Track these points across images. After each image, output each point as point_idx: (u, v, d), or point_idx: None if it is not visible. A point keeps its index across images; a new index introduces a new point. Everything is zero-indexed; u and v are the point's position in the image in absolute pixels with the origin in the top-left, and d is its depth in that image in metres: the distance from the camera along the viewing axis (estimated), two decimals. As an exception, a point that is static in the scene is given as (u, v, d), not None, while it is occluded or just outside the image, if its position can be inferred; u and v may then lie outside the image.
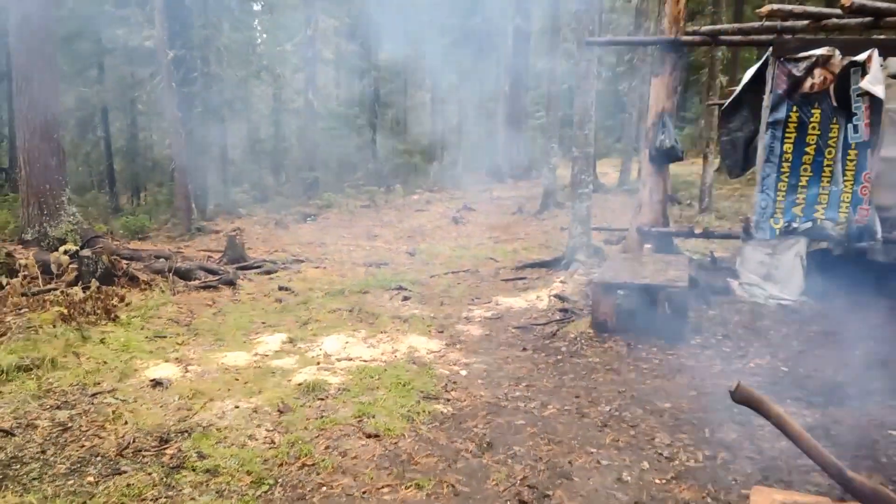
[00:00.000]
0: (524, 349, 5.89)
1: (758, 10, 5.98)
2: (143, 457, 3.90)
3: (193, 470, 3.72)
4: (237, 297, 8.07)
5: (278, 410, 4.57)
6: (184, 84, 15.55)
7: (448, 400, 4.72)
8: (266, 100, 22.55)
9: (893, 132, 6.79)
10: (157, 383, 5.01)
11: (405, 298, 7.76)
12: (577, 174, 8.66)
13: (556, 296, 7.28)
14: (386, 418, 4.34)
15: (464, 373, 5.31)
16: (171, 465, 3.80)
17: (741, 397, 1.96)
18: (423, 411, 4.47)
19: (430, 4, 21.97)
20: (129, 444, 4.04)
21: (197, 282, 8.26)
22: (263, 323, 6.94)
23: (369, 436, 4.11)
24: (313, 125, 20.01)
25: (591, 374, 5.17)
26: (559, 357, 5.63)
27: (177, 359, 5.64)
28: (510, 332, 6.40)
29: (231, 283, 8.31)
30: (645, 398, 4.60)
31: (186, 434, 4.18)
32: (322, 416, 4.44)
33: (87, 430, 4.27)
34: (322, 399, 4.77)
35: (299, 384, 5.01)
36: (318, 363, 5.52)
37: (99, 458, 3.89)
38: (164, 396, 4.80)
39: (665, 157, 7.24)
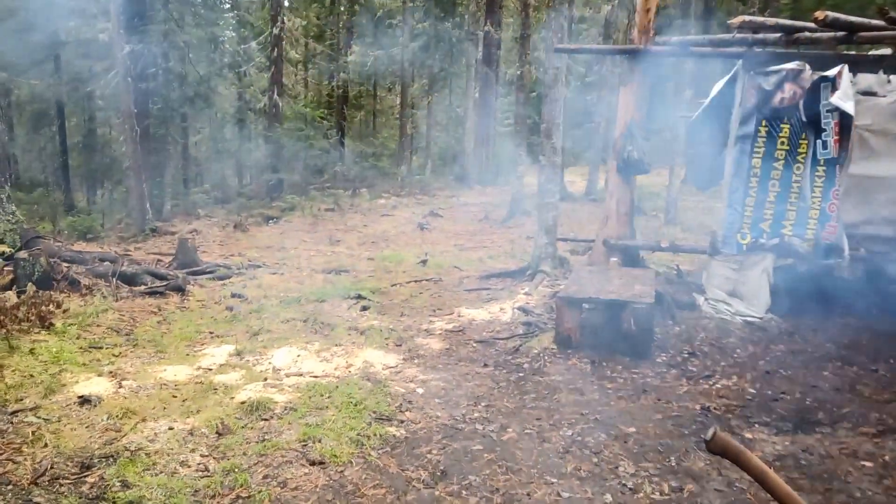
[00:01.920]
0: (485, 365, 5.63)
1: (730, 21, 5.86)
2: (60, 485, 3.53)
3: (114, 502, 3.36)
4: (185, 304, 7.65)
5: (216, 432, 4.23)
6: (141, 79, 14.98)
7: (402, 421, 4.42)
8: (230, 98, 21.97)
9: (861, 149, 6.74)
10: (85, 400, 4.61)
11: (364, 308, 7.44)
12: (544, 183, 8.45)
13: (519, 308, 7.04)
14: (333, 442, 4.03)
15: (420, 391, 5.02)
16: (90, 495, 3.44)
17: (718, 447, 1.72)
18: (374, 434, 4.16)
19: (402, 7, 21.71)
20: (45, 470, 3.66)
21: (143, 287, 7.82)
22: (211, 333, 6.55)
23: (313, 463, 3.79)
24: (278, 126, 19.54)
25: (553, 393, 4.93)
26: (521, 374, 5.37)
27: (111, 372, 5.24)
28: (471, 347, 6.13)
29: (180, 289, 7.88)
30: (609, 421, 4.37)
31: (112, 459, 3.81)
32: (264, 440, 4.11)
33: (1, 454, 3.86)
34: (266, 420, 4.43)
35: (242, 402, 4.66)
36: (266, 379, 5.17)
37: (10, 487, 3.51)
38: (92, 415, 4.41)
39: (632, 168, 7.07)
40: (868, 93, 6.65)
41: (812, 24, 5.44)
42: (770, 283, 6.69)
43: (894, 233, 6.92)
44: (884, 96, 6.75)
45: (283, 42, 19.13)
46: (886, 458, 3.73)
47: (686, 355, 5.71)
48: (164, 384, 5.09)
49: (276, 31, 18.33)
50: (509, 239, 12.83)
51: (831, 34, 5.29)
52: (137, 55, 14.76)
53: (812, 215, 6.54)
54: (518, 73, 16.98)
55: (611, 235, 7.24)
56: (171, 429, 4.28)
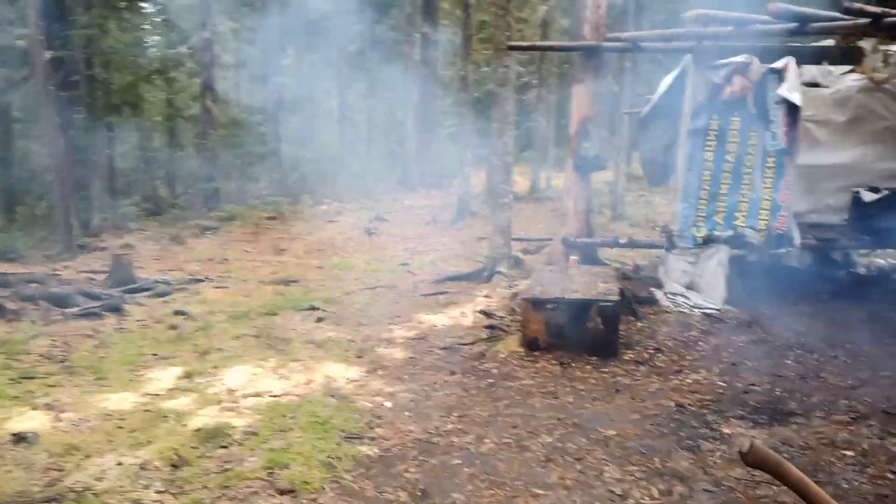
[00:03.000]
0: (452, 373, 5.43)
1: (683, 15, 5.87)
2: (-3, 538, 3.14)
3: (61, 554, 3.00)
4: (124, 325, 7.14)
5: (171, 465, 3.87)
6: (64, 88, 14.09)
7: (373, 439, 4.17)
8: (159, 106, 21.04)
9: (805, 140, 6.89)
10: (20, 438, 4.16)
11: (319, 319, 7.13)
12: (497, 183, 8.34)
13: (481, 311, 6.89)
14: (302, 468, 3.75)
15: (388, 404, 4.78)
16: (32, 547, 3.06)
17: (755, 459, 1.58)
18: (346, 455, 3.91)
19: (337, 10, 21.31)
20: (-23, 522, 3.25)
21: (76, 309, 7.26)
22: (155, 355, 6.11)
23: (283, 492, 3.51)
24: (212, 132, 18.80)
25: (526, 398, 4.78)
26: (491, 380, 5.21)
27: (47, 405, 4.77)
28: (436, 354, 5.93)
29: (117, 309, 7.36)
30: (587, 425, 4.25)
31: (55, 503, 3.42)
32: (225, 470, 3.79)
33: (-78, 507, 3.42)
34: (225, 447, 4.10)
35: (197, 430, 4.30)
36: (220, 402, 4.82)
37: (-64, 545, 3.09)
38: (30, 454, 3.98)
39: (589, 166, 7.03)
40: (812, 84, 6.82)
41: (763, 17, 5.50)
42: (726, 274, 6.76)
43: (839, 220, 7.12)
44: (827, 87, 6.94)
45: (214, 46, 18.44)
46: (864, 446, 3.74)
47: (652, 351, 5.68)
48: (108, 414, 4.67)
49: (206, 35, 17.64)
50: (460, 241, 12.70)
51: (783, 26, 5.36)
52: (59, 62, 13.89)
53: (764, 206, 6.65)
54: (461, 73, 16.87)
55: (569, 233, 7.18)
56: (119, 464, 3.90)
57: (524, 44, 8.16)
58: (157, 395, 5.07)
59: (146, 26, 18.45)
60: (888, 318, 6.18)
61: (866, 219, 6.74)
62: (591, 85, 6.92)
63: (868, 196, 6.74)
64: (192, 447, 4.10)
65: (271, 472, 3.71)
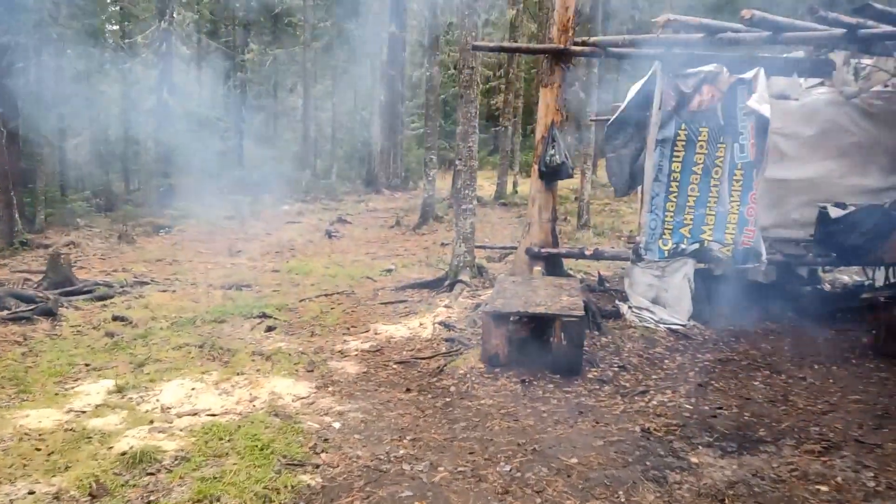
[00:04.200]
0: (408, 390, 5.12)
1: (654, 19, 5.67)
2: None
3: None
4: (57, 331, 6.64)
5: (89, 494, 3.50)
6: (8, 75, 13.34)
7: (317, 466, 3.83)
8: (114, 97, 20.22)
9: (772, 152, 6.77)
10: (-83, 463, 3.71)
11: (269, 329, 6.74)
12: (460, 188, 8.06)
13: (440, 323, 6.59)
14: (235, 500, 3.39)
15: (337, 425, 4.44)
16: None
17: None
18: (285, 486, 3.56)
19: (303, 6, 20.80)
20: None
21: (5, 313, 6.73)
22: (87, 365, 5.66)
23: (210, 531, 3.15)
24: (170, 127, 18.12)
25: (485, 420, 4.49)
26: (448, 399, 4.90)
27: (-45, 423, 4.31)
28: (391, 369, 5.60)
29: (50, 314, 6.85)
30: (549, 451, 3.98)
31: (-54, 544, 3.01)
32: (149, 502, 3.42)
33: None
34: (152, 474, 3.72)
35: (123, 453, 3.91)
36: (152, 421, 4.42)
37: None
38: (-74, 482, 3.54)
39: (555, 173, 6.80)
40: (781, 96, 6.71)
41: (736, 25, 5.33)
42: (692, 289, 6.59)
43: (804, 235, 7.02)
44: (796, 100, 6.83)
45: (173, 37, 17.78)
46: (839, 479, 3.55)
47: (616, 369, 5.45)
48: (27, 434, 4.25)
49: (164, 24, 16.99)
50: (423, 246, 12.40)
51: (756, 34, 5.20)
52: (3, 49, 13.14)
53: (731, 220, 6.50)
54: (427, 73, 16.57)
55: (534, 243, 6.93)
56: (31, 493, 3.51)
57: (490, 44, 7.91)
58: (82, 411, 4.65)
59: (100, 14, 17.63)
60: (854, 338, 6.07)
61: (833, 235, 6.65)
62: (558, 89, 6.68)
63: (835, 212, 6.64)
64: (116, 473, 3.72)
65: (200, 506, 3.35)
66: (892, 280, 7.00)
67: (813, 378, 5.21)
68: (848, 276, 8.18)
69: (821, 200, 6.92)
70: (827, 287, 7.81)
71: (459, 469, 3.80)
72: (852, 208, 6.66)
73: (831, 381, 5.16)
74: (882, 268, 7.07)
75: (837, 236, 6.63)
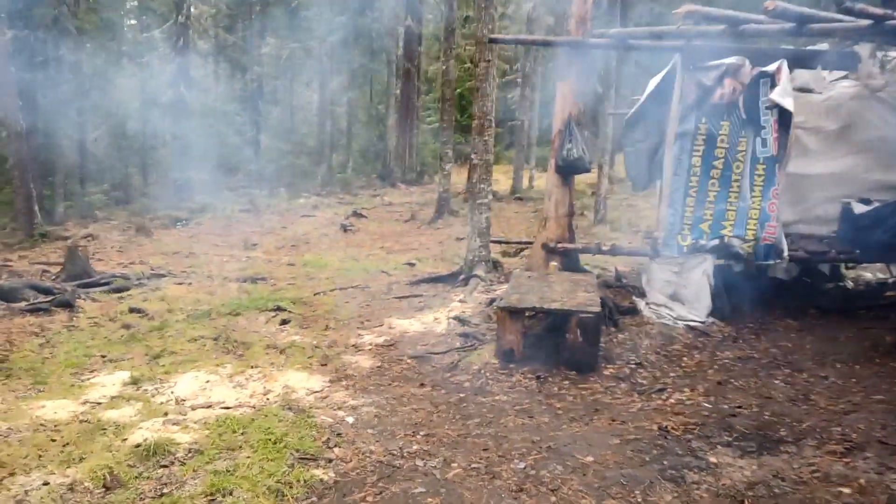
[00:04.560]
0: (422, 385, 5.08)
1: (675, 11, 5.56)
2: None
3: None
4: (74, 322, 6.69)
5: (103, 486, 3.50)
6: (27, 69, 13.47)
7: (330, 461, 3.81)
8: (133, 91, 20.37)
9: (795, 147, 6.63)
10: (-66, 452, 3.74)
11: (284, 322, 6.74)
12: (476, 182, 8.00)
13: (455, 318, 6.54)
14: (247, 494, 3.38)
15: (350, 420, 4.42)
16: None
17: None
18: (297, 480, 3.54)
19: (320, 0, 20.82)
20: None
21: (23, 304, 6.79)
22: (103, 357, 5.69)
23: (222, 525, 3.13)
24: (187, 121, 18.22)
25: (499, 417, 4.44)
26: (462, 395, 4.86)
27: (-27, 413, 4.35)
28: (405, 364, 5.57)
29: (68, 305, 6.91)
30: (564, 449, 3.92)
31: (-38, 532, 3.03)
32: (162, 494, 3.42)
33: None
34: (165, 466, 3.72)
35: (137, 445, 3.91)
36: (167, 413, 4.42)
37: None
38: (-56, 472, 3.56)
39: (572, 168, 6.71)
40: (804, 89, 6.56)
41: (759, 16, 5.21)
42: (711, 285, 6.48)
43: (827, 231, 6.88)
44: (819, 93, 6.68)
45: (190, 31, 17.85)
46: (861, 481, 3.46)
47: (633, 366, 5.37)
48: (42, 425, 4.27)
49: (181, 19, 17.06)
50: (438, 240, 12.35)
51: (779, 26, 5.08)
52: (22, 42, 13.27)
53: (752, 215, 6.37)
54: (443, 67, 16.49)
55: (550, 238, 6.85)
56: (46, 483, 3.52)
57: (507, 37, 7.84)
58: (98, 403, 4.67)
59: (118, 8, 17.73)
60: (877, 336, 5.93)
61: (856, 231, 6.50)
62: (575, 83, 6.59)
63: (859, 208, 6.49)
64: (130, 465, 3.72)
65: (212, 499, 3.34)
66: (916, 278, 6.84)
67: (835, 377, 5.10)
68: (871, 273, 8.01)
69: (844, 196, 6.78)
70: (850, 284, 7.65)
71: (473, 466, 3.76)
72: (877, 204, 6.50)
73: (854, 380, 5.04)
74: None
75: (861, 233, 6.49)
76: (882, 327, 6.10)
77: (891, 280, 7.33)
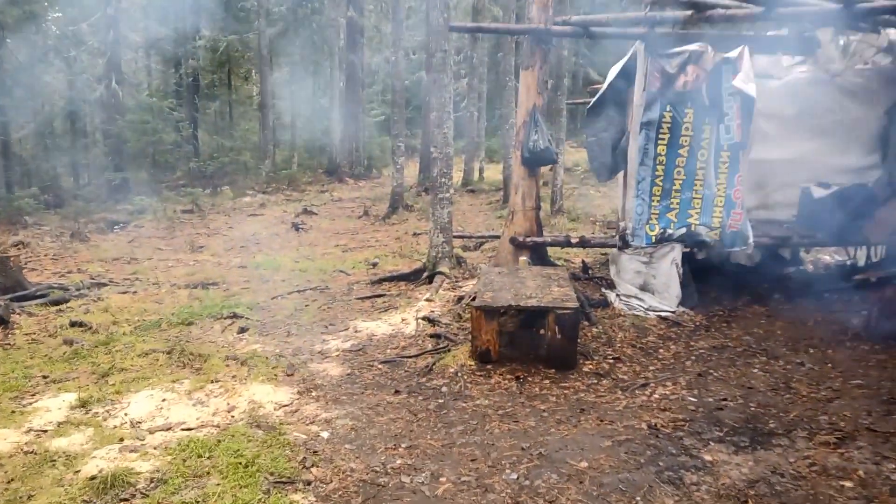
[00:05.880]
0: (397, 392, 4.83)
1: (642, -4, 5.44)
2: None
3: None
4: (10, 340, 6.13)
5: (56, 529, 3.12)
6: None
7: (308, 483, 3.53)
8: (59, 88, 19.19)
9: (756, 133, 6.64)
10: None
11: (242, 330, 6.36)
12: (437, 177, 7.75)
13: (424, 318, 6.30)
14: (222, 529, 3.07)
15: (325, 434, 4.14)
16: None
17: None
18: (277, 509, 3.25)
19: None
20: None
21: (-51, 323, 6.18)
22: (45, 378, 5.20)
23: (198, 567, 2.83)
24: (119, 118, 17.28)
25: (483, 423, 4.24)
26: (441, 401, 4.64)
27: None
28: (377, 369, 5.30)
29: (1, 321, 6.33)
30: (556, 455, 3.75)
31: None
32: (125, 534, 3.07)
33: None
34: (126, 500, 3.38)
35: (91, 478, 3.55)
36: (122, 439, 4.04)
37: None
38: None
39: (539, 159, 6.55)
40: (763, 75, 6.57)
41: (726, 1, 5.15)
42: (680, 274, 6.45)
43: (788, 216, 6.95)
44: (777, 78, 6.72)
45: (120, 24, 16.89)
46: (861, 473, 3.41)
47: (612, 361, 5.27)
48: (-21, 460, 3.83)
49: (110, 11, 16.12)
50: (395, 236, 12.06)
51: (748, 10, 5.02)
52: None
53: (718, 203, 6.37)
54: (393, 58, 16.12)
55: (518, 232, 6.68)
56: (-12, 530, 3.12)
57: (467, 24, 7.60)
58: (43, 430, 4.24)
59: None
60: (844, 319, 6.01)
61: (816, 215, 6.58)
62: (539, 72, 6.42)
63: (818, 192, 6.57)
64: (85, 501, 3.36)
65: (183, 538, 3.02)
66: (873, 259, 6.99)
67: (811, 363, 5.12)
68: (829, 255, 8.18)
69: (803, 181, 6.85)
70: (809, 268, 7.78)
71: (463, 479, 3.55)
72: (836, 188, 6.59)
73: (829, 365, 5.07)
74: (864, 247, 7.05)
75: (821, 216, 6.57)
76: (847, 310, 6.19)
77: (848, 262, 7.49)
